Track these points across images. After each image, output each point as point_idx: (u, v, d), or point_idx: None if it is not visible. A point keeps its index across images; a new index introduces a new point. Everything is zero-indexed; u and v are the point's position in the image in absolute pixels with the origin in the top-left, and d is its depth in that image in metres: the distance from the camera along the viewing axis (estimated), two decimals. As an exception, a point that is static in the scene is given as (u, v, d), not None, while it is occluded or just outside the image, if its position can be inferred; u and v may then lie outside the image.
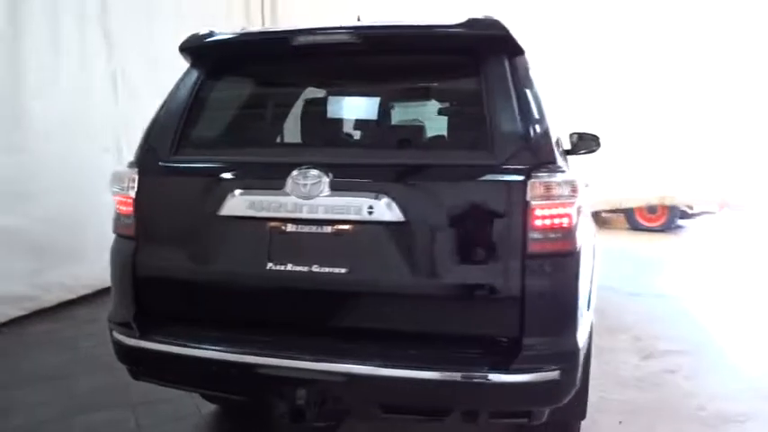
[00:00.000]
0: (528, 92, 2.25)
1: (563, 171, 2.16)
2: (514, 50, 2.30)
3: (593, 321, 2.67)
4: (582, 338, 2.21)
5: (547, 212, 2.10)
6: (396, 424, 2.79)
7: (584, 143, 4.66)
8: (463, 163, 2.19)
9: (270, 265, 2.24)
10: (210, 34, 2.48)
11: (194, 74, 2.53)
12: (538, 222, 2.09)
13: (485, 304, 2.13)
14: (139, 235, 2.45)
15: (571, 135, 4.74)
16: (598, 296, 4.81)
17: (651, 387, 3.63)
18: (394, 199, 2.14)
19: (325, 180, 2.18)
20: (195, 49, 2.50)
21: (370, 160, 2.31)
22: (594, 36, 8.49)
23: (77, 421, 3.13)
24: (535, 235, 2.08)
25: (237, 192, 2.26)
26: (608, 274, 6.29)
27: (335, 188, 2.17)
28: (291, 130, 2.53)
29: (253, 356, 2.21)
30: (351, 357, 2.13)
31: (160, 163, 2.43)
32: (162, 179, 2.41)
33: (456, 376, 2.06)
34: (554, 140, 2.26)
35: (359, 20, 2.55)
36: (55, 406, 3.27)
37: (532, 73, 2.46)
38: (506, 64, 2.25)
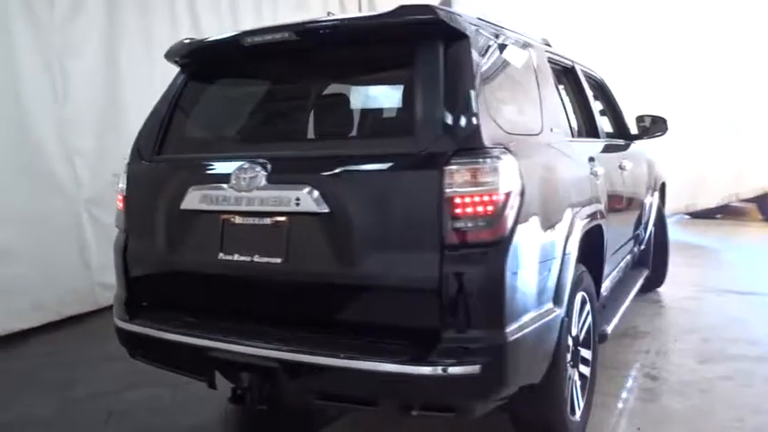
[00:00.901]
0: (463, 77, 2.17)
1: (490, 157, 2.05)
2: (451, 36, 2.22)
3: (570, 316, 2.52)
4: (519, 333, 2.09)
5: (467, 200, 2.02)
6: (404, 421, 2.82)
7: (656, 126, 4.39)
8: (385, 152, 2.17)
9: (221, 255, 2.37)
10: (183, 43, 2.66)
11: (176, 80, 2.74)
12: (457, 211, 2.01)
13: (407, 295, 2.09)
14: (128, 228, 2.70)
15: (639, 119, 4.47)
16: (685, 295, 4.48)
17: (695, 393, 3.30)
18: (319, 190, 2.17)
19: (262, 174, 2.26)
20: (173, 57, 2.70)
21: (300, 153, 2.35)
22: (713, 29, 8.21)
23: (127, 395, 3.49)
24: (453, 224, 2.01)
25: (193, 187, 2.42)
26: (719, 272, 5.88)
27: (270, 181, 2.26)
28: (244, 128, 2.65)
29: (204, 340, 2.35)
30: (283, 344, 2.20)
31: (143, 162, 2.65)
32: (143, 178, 2.63)
33: (376, 366, 2.05)
34: (490, 125, 2.15)
35: (329, 14, 2.60)
36: (110, 382, 3.65)
37: (490, 56, 2.37)
38: (439, 50, 2.19)
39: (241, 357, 2.26)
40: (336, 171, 2.21)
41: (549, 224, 2.34)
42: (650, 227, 4.79)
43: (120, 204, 2.72)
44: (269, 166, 2.27)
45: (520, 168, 2.15)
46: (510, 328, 2.06)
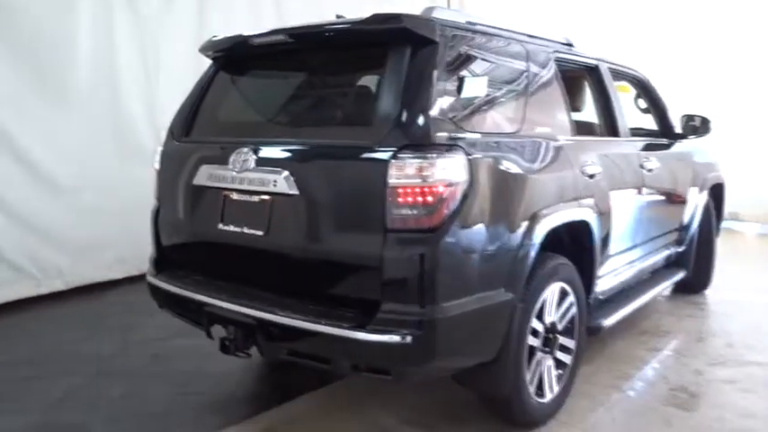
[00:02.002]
0: (422, 80, 2.41)
1: (434, 153, 2.30)
2: (418, 41, 2.47)
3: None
4: (454, 311, 2.34)
5: (409, 191, 2.28)
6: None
7: (700, 127, 4.36)
8: (347, 144, 2.47)
9: (220, 225, 2.78)
10: (211, 40, 3.08)
11: (207, 72, 3.18)
12: (399, 199, 2.28)
13: (359, 271, 2.40)
14: (159, 198, 3.18)
15: (688, 118, 4.44)
16: (728, 299, 4.62)
17: (685, 395, 3.35)
18: (292, 174, 2.52)
19: (252, 158, 2.64)
20: (205, 51, 3.13)
21: (281, 141, 2.69)
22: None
23: (173, 342, 4.04)
24: (394, 211, 2.29)
25: (204, 166, 2.85)
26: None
27: (258, 164, 2.63)
28: (247, 116, 3.03)
29: (202, 296, 2.78)
30: (260, 304, 2.58)
31: (174, 143, 3.12)
32: (172, 156, 3.09)
33: (328, 330, 2.38)
34: (444, 124, 2.38)
35: (337, 17, 2.92)
36: (163, 330, 4.22)
37: (465, 59, 2.59)
38: (405, 54, 2.45)
39: (227, 313, 2.66)
40: (306, 158, 2.56)
41: (503, 216, 2.54)
42: (693, 228, 4.72)
43: (155, 178, 3.20)
44: (258, 151, 2.64)
45: (470, 164, 2.38)
46: (443, 306, 2.31)
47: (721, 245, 5.40)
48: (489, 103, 2.69)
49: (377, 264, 2.32)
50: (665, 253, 4.49)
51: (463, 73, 2.60)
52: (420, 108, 2.37)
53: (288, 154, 2.62)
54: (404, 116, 2.35)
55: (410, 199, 2.28)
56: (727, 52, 8.46)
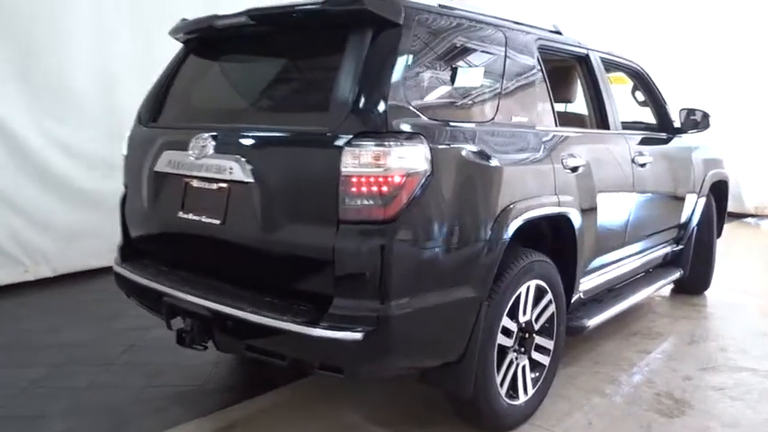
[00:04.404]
0: (382, 64, 2.29)
1: (390, 141, 2.18)
2: (381, 24, 2.34)
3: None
4: (410, 308, 2.22)
5: (362, 180, 2.16)
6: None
7: (705, 121, 4.20)
8: (302, 130, 2.36)
9: (181, 213, 2.69)
10: (178, 23, 2.98)
11: (176, 56, 3.08)
12: (352, 189, 2.17)
13: (314, 263, 2.28)
14: (127, 184, 3.10)
15: (689, 112, 4.28)
16: (728, 301, 4.55)
17: (670, 401, 3.20)
18: (249, 162, 2.41)
19: (211, 144, 2.54)
20: (174, 34, 3.03)
21: (239, 126, 2.58)
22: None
23: (153, 332, 3.93)
24: (347, 201, 2.17)
25: (165, 152, 2.76)
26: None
27: (216, 151, 2.53)
28: (208, 101, 2.92)
29: (162, 286, 2.69)
30: (215, 296, 2.49)
31: (141, 128, 3.03)
32: (139, 141, 3.00)
33: (280, 325, 2.27)
34: (404, 111, 2.26)
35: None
36: (145, 320, 4.01)
37: (433, 44, 2.47)
38: (366, 37, 2.33)
39: (184, 304, 2.57)
40: (262, 145, 2.46)
41: (470, 209, 2.42)
42: (692, 226, 4.56)
43: (123, 163, 3.12)
44: (217, 137, 2.54)
45: (432, 153, 2.26)
46: (398, 302, 2.19)
47: (736, 242, 5.23)
48: (459, 90, 2.56)
49: (329, 256, 2.21)
50: (661, 252, 4.34)
51: (431, 59, 2.47)
52: (379, 94, 2.24)
53: (245, 140, 2.51)
54: (361, 102, 2.24)
55: (364, 189, 2.17)
56: (737, 43, 8.26)
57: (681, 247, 4.53)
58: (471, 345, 2.51)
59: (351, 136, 2.19)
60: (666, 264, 4.50)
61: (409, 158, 2.21)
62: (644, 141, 4.00)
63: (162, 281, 2.72)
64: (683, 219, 4.47)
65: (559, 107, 3.86)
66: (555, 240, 3.10)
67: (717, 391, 3.32)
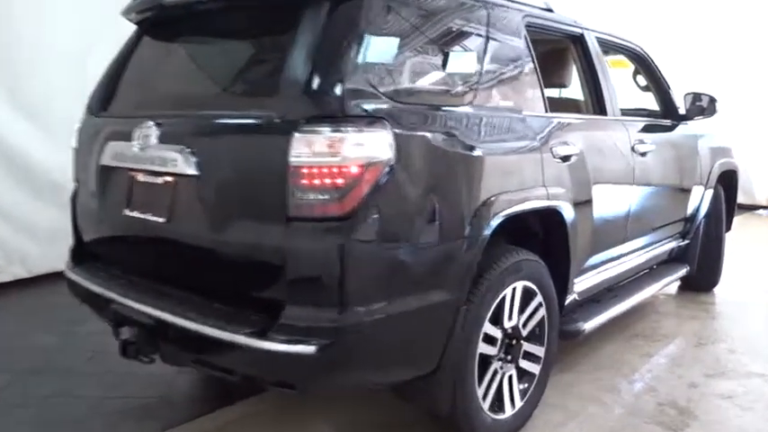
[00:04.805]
0: (339, 42, 2.01)
1: (346, 126, 1.91)
2: None
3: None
4: (373, 316, 1.96)
5: (314, 171, 1.90)
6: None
7: (711, 106, 3.92)
8: (250, 116, 2.09)
9: (126, 211, 2.43)
10: (131, 1, 2.72)
11: (131, 38, 2.82)
12: (302, 181, 1.90)
13: (264, 267, 2.02)
14: (77, 180, 2.84)
15: (695, 97, 3.99)
16: (738, 300, 4.30)
17: (674, 411, 2.92)
18: (193, 153, 2.15)
19: (156, 133, 2.28)
20: (127, 14, 2.76)
21: (187, 112, 2.32)
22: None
23: None
24: (298, 195, 1.91)
25: (109, 144, 2.50)
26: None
27: (160, 141, 2.27)
28: (155, 87, 2.64)
29: (110, 293, 2.44)
30: (160, 303, 2.23)
31: (90, 118, 2.77)
32: (87, 133, 2.75)
33: (224, 335, 2.02)
34: (365, 92, 1.99)
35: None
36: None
37: (401, 20, 2.20)
38: (322, 13, 2.05)
39: (130, 312, 2.32)
40: (208, 134, 2.20)
41: (442, 203, 2.15)
42: (699, 219, 4.26)
43: (73, 157, 2.86)
44: (161, 126, 2.28)
45: (397, 140, 1.99)
46: (357, 310, 1.93)
47: (748, 235, 4.93)
48: (431, 71, 2.29)
49: (279, 259, 1.95)
50: (666, 247, 4.05)
51: (398, 34, 2.19)
52: (335, 73, 1.97)
53: (190, 129, 2.25)
54: (315, 83, 1.97)
55: (317, 181, 1.90)
56: (748, 28, 7.94)
57: (687, 241, 4.24)
58: (447, 355, 2.24)
59: (301, 121, 1.92)
60: (672, 260, 4.21)
61: (369, 146, 1.94)
62: (645, 129, 3.71)
63: (110, 286, 2.47)
64: (690, 211, 4.18)
65: (553, 92, 3.59)
66: (546, 237, 2.83)
67: (725, 400, 3.04)
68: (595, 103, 3.34)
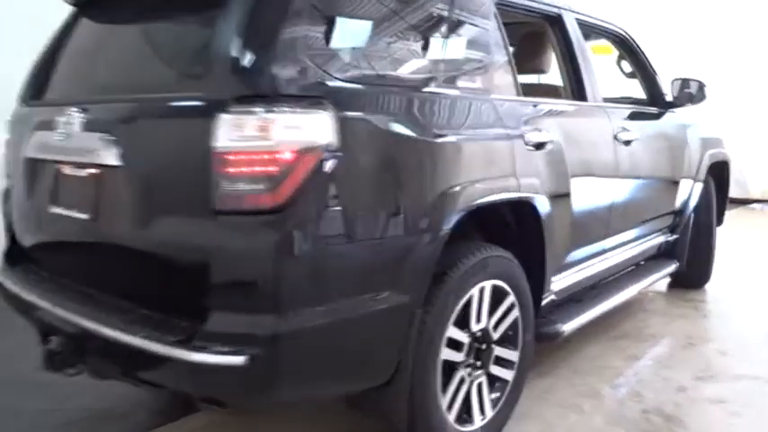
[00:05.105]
0: (272, 13, 1.78)
1: (277, 106, 1.68)
2: None
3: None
4: (313, 322, 1.74)
5: (242, 157, 1.67)
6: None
7: (701, 93, 3.73)
8: (175, 97, 1.86)
9: (52, 207, 2.21)
10: None
11: (66, 19, 2.58)
12: (229, 169, 1.67)
13: (191, 268, 1.80)
14: (9, 175, 2.61)
15: (683, 83, 3.79)
16: (731, 297, 4.09)
17: (660, 418, 2.70)
18: (115, 142, 1.92)
19: (79, 120, 2.05)
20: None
21: (112, 97, 2.09)
22: None
23: None
24: (224, 185, 1.68)
25: (35, 134, 2.27)
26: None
27: (85, 129, 2.04)
28: (80, 73, 2.41)
29: (34, 298, 2.21)
30: (88, 309, 2.01)
31: (22, 107, 2.54)
32: (18, 123, 2.52)
33: (146, 345, 1.79)
34: (303, 69, 1.77)
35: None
36: None
37: None
38: None
39: (55, 320, 2.10)
40: (131, 120, 1.97)
41: (394, 194, 1.93)
42: (688, 213, 4.05)
43: (5, 150, 2.63)
44: (85, 112, 2.05)
45: (341, 123, 1.77)
46: (292, 316, 1.70)
47: (741, 230, 4.72)
48: (385, 48, 2.06)
49: (207, 258, 1.72)
50: (653, 242, 3.83)
51: (348, 7, 1.97)
52: (267, 46, 1.74)
53: (114, 115, 2.01)
54: (244, 60, 1.74)
55: (245, 169, 1.67)
56: (742, 19, 7.74)
57: (676, 236, 4.03)
58: (402, 364, 2.02)
59: (228, 101, 1.69)
60: (660, 256, 4.00)
61: (306, 129, 1.72)
62: (629, 116, 3.49)
63: (37, 291, 2.24)
64: (678, 204, 3.96)
65: (531, 78, 3.38)
66: (520, 233, 2.61)
67: (714, 405, 2.82)
68: (575, 88, 3.12)
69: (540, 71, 3.27)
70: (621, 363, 3.27)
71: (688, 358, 3.33)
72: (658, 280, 3.93)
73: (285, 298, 1.69)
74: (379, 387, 2.03)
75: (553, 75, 3.29)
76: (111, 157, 1.92)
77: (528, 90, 2.85)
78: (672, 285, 4.48)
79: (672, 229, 4.00)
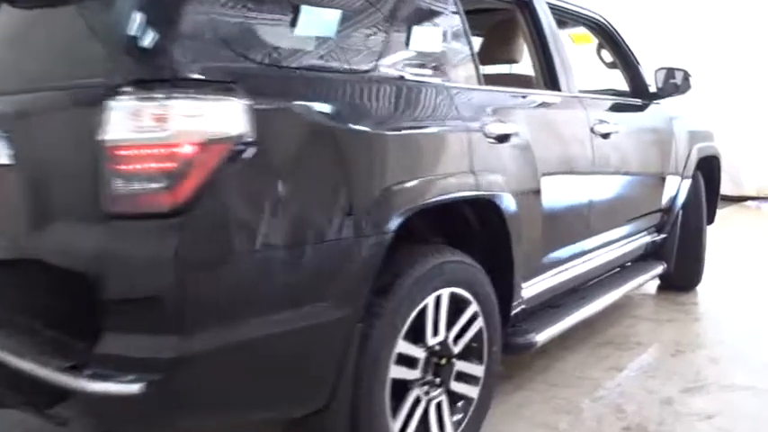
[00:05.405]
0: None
1: (179, 91, 1.45)
2: None
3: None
4: (226, 342, 1.50)
5: (136, 152, 1.43)
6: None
7: (686, 83, 3.53)
8: (64, 86, 1.62)
9: None
10: None
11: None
12: (120, 166, 1.44)
13: (82, 280, 1.55)
14: None
15: (668, 74, 3.59)
16: (723, 299, 3.96)
17: (643, 435, 2.46)
18: (8, 138, 1.68)
19: None
20: None
21: (7, 89, 1.85)
22: None
23: None
24: (114, 184, 1.44)
25: None
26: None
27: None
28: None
29: None
30: None
31: None
32: None
33: (37, 371, 1.55)
34: (213, 51, 1.53)
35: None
36: None
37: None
38: None
39: None
40: (23, 112, 1.73)
41: (325, 192, 1.69)
42: (676, 211, 3.81)
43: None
44: None
45: (254, 112, 1.53)
46: (201, 336, 1.46)
47: (735, 228, 4.49)
48: (314, 25, 1.82)
49: (98, 269, 1.48)
50: (639, 242, 3.60)
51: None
52: (167, 24, 1.50)
53: (5, 109, 1.77)
54: (140, 37, 1.50)
55: (139, 164, 1.43)
56: (735, 10, 7.51)
57: (664, 235, 3.79)
58: (342, 385, 1.77)
59: (118, 87, 1.45)
60: (647, 256, 3.76)
61: (212, 118, 1.48)
62: (609, 108, 3.26)
63: None
64: (665, 201, 3.73)
65: (497, 68, 3.15)
66: (484, 234, 2.37)
67: (702, 421, 2.57)
68: (547, 78, 2.89)
69: (511, 60, 3.05)
70: (603, 374, 3.02)
71: (676, 367, 3.09)
72: (645, 282, 3.69)
73: (189, 315, 1.46)
74: (317, 412, 1.79)
75: (526, 65, 3.07)
76: (1, 156, 1.68)
77: (496, 81, 2.63)
78: (661, 288, 4.24)
79: (659, 229, 3.77)
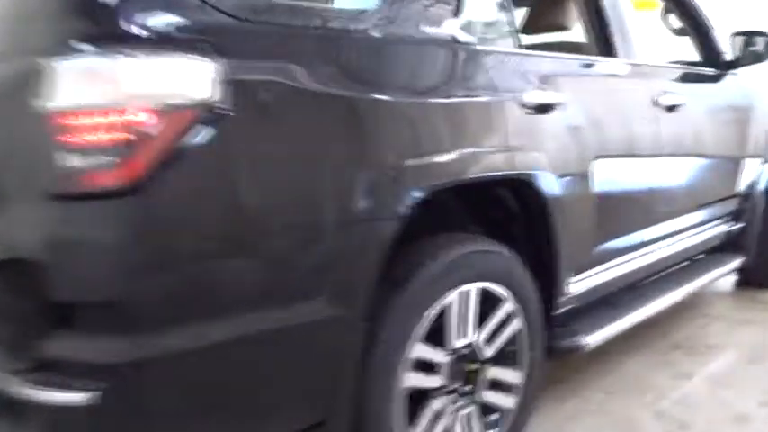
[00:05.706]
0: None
1: (147, 51, 1.22)
2: None
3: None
4: (198, 343, 1.27)
5: (85, 121, 1.21)
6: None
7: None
8: (13, 50, 1.41)
9: None
10: None
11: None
12: (66, 137, 1.22)
13: (31, 272, 1.32)
14: None
15: (747, 40, 3.21)
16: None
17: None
18: None
19: None
20: None
21: None
22: None
23: None
24: (60, 158, 1.22)
25: None
26: None
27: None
28: None
29: None
30: None
31: None
32: None
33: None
34: (182, 5, 1.30)
35: None
36: None
37: None
38: None
39: None
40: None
41: (311, 167, 1.43)
42: (757, 197, 3.38)
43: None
44: None
45: (226, 74, 1.28)
46: (160, 338, 1.24)
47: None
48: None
49: (43, 258, 1.27)
50: (713, 232, 3.20)
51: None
52: None
53: None
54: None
55: (86, 137, 1.21)
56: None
57: (742, 224, 3.36)
58: (343, 396, 1.52)
59: (62, 46, 1.23)
60: (723, 248, 3.34)
61: (171, 80, 1.24)
62: (677, 78, 2.87)
63: None
64: (743, 186, 3.31)
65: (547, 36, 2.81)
66: (526, 222, 2.07)
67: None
68: (601, 44, 2.53)
69: (561, 27, 2.70)
70: (668, 382, 2.65)
71: (753, 377, 2.68)
72: (720, 278, 3.27)
73: (146, 313, 1.23)
74: (313, 427, 1.54)
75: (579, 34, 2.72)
76: None
77: (542, 48, 2.31)
78: (739, 284, 3.79)
79: (736, 217, 3.34)
